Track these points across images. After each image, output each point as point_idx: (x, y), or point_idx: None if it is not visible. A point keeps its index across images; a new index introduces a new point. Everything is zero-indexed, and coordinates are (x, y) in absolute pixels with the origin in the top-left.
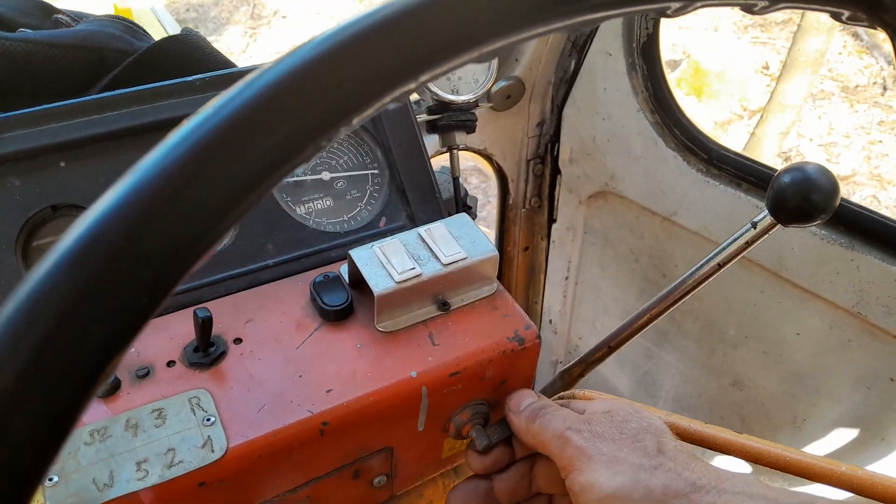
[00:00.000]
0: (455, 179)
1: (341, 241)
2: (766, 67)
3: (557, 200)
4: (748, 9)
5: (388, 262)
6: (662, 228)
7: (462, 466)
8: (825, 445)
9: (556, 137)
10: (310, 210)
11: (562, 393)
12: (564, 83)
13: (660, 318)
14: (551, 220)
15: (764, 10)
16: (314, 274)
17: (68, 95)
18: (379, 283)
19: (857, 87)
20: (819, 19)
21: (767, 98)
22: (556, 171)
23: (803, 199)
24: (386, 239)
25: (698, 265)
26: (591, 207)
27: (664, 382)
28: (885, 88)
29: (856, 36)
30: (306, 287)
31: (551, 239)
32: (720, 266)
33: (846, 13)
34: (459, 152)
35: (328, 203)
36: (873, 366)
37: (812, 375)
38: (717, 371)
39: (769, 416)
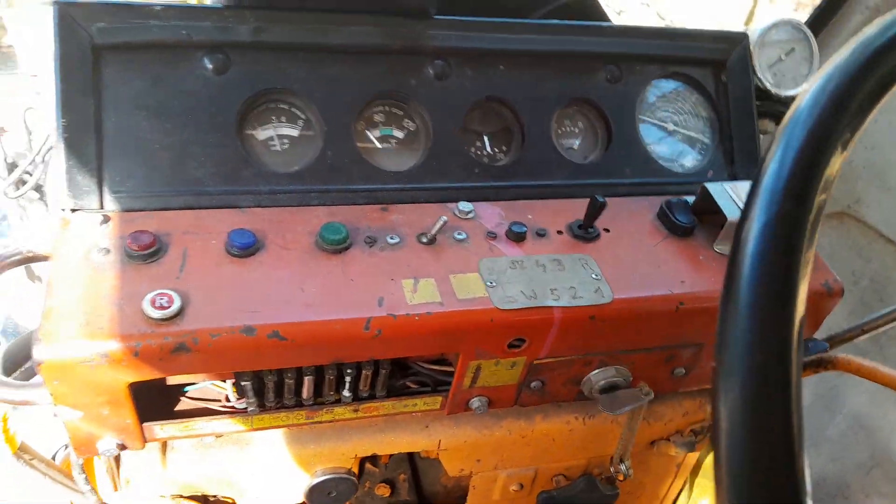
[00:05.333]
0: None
1: (676, 180)
2: None
3: None
4: None
5: (738, 198)
6: (894, 258)
7: None
8: None
9: None
10: (653, 149)
11: (822, 355)
12: None
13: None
14: None
15: None
16: (654, 199)
17: (511, 15)
18: (732, 212)
19: None
20: None
21: None
22: None
23: None
24: (737, 181)
25: None
26: (822, 225)
27: (848, 399)
28: None
29: None
30: (650, 206)
31: None
32: None
33: None
34: None
35: (665, 148)
36: None
37: None
38: None
39: None
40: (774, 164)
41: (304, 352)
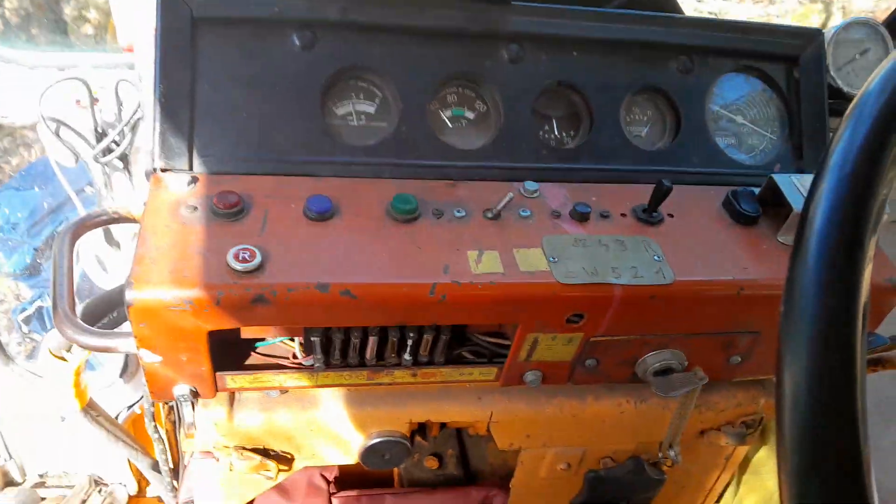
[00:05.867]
0: None
1: (743, 171)
2: None
3: None
4: None
5: (805, 190)
6: None
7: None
8: None
9: None
10: (720, 141)
11: (882, 354)
12: None
13: None
14: None
15: None
16: (719, 189)
17: (587, 3)
18: (798, 204)
19: None
20: None
21: None
22: None
23: None
24: (805, 174)
25: None
26: (882, 233)
27: None
28: None
29: None
30: (715, 195)
31: None
32: None
33: None
34: None
35: (732, 140)
36: None
37: None
38: None
39: None
40: (843, 141)
41: (373, 311)
